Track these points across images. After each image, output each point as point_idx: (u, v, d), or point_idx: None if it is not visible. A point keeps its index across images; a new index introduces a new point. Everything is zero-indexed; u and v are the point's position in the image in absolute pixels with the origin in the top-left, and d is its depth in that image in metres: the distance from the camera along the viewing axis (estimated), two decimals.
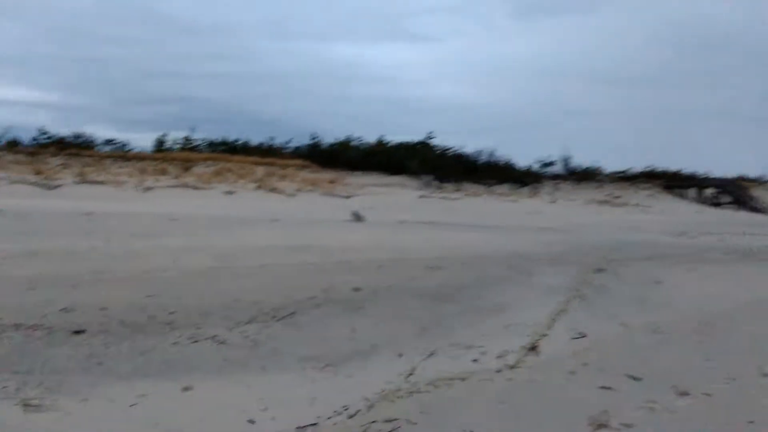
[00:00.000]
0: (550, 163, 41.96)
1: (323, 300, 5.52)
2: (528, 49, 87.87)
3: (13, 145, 25.53)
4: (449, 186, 34.96)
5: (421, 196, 29.66)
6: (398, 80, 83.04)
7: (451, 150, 39.36)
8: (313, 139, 38.40)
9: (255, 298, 5.30)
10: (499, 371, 4.45)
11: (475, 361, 4.65)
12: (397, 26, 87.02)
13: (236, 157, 29.37)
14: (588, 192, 38.17)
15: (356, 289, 5.94)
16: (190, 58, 75.78)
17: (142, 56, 75.29)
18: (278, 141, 38.32)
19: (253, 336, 4.56)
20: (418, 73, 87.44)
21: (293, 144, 38.47)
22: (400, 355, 4.64)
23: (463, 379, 4.22)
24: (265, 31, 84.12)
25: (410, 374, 4.26)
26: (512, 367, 4.58)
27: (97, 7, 73.03)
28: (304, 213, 16.01)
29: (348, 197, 26.47)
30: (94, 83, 69.36)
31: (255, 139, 38.09)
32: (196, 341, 4.34)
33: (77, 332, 4.22)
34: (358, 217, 12.80)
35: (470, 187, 35.42)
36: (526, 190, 36.88)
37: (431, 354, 4.71)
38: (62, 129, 30.00)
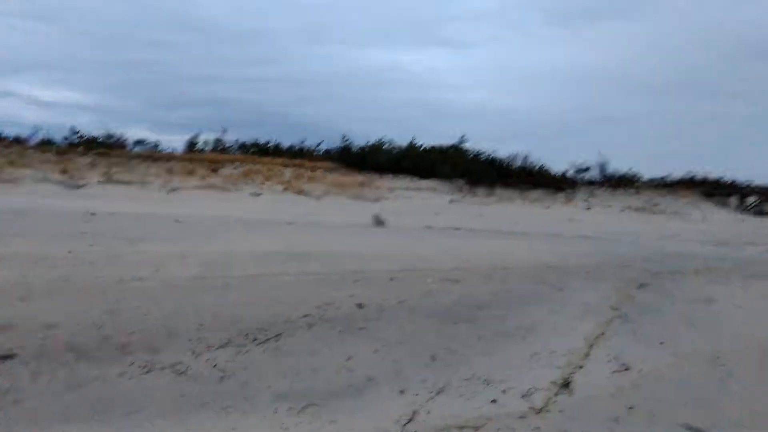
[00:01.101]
0: (586, 169, 40.51)
1: (319, 319, 4.64)
2: (564, 55, 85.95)
3: (44, 144, 25.28)
4: (481, 191, 33.88)
5: (451, 201, 28.73)
6: (433, 85, 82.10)
7: (483, 154, 38.25)
8: (344, 141, 37.70)
9: (237, 316, 4.45)
10: (522, 417, 3.51)
11: (493, 401, 3.71)
12: (433, 32, 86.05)
13: (265, 159, 28.69)
14: (625, 199, 36.60)
15: (360, 306, 5.05)
16: (227, 62, 75.84)
17: (180, 60, 75.64)
18: (309, 143, 37.75)
19: (223, 365, 3.69)
20: (453, 78, 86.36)
21: (324, 146, 37.83)
22: (402, 392, 3.73)
23: (476, 429, 3.30)
24: (301, 36, 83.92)
25: (410, 420, 3.35)
26: (539, 411, 3.63)
27: (136, 12, 73.55)
28: (327, 216, 15.20)
29: (376, 200, 25.63)
30: (131, 86, 69.78)
31: (289, 143, 37.56)
32: (149, 371, 3.49)
33: (4, 357, 3.41)
34: (378, 222, 11.93)
35: (503, 192, 34.26)
36: (560, 196, 35.58)
37: (440, 391, 3.79)
38: (98, 130, 29.60)
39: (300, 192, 24.58)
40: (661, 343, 5.19)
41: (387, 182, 32.14)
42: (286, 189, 24.59)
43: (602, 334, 5.24)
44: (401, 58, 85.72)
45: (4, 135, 25.07)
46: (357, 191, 27.36)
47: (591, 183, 38.97)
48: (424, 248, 8.39)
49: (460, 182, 34.38)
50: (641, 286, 7.26)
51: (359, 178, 30.53)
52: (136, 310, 4.28)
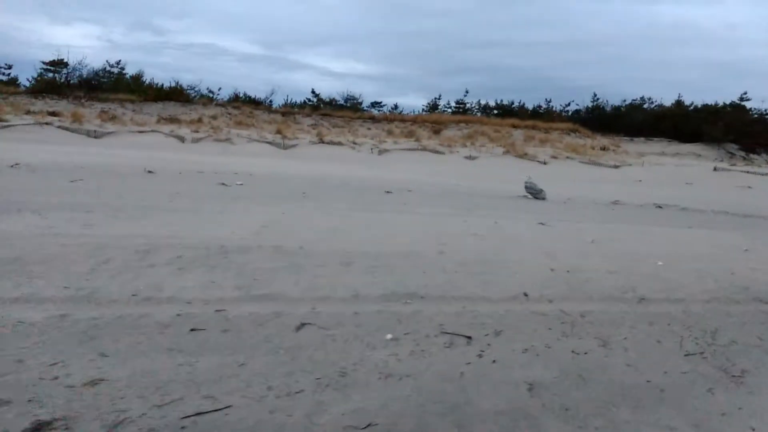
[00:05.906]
0: None
1: None
2: None
3: (284, 106, 25.35)
4: (760, 158, 26.22)
5: (716, 169, 22.38)
6: (729, 42, 69.14)
7: None
8: (595, 101, 32.41)
9: None
10: None
11: None
12: None
13: (492, 120, 25.36)
14: None
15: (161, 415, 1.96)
16: (503, 27, 72.63)
17: (457, 27, 74.57)
18: (555, 104, 33.19)
19: None
20: (756, 33, 71.74)
21: (573, 107, 32.97)
22: None
23: None
24: None
25: None
26: None
27: None
28: (512, 185, 11.66)
29: (617, 167, 20.80)
30: (411, 56, 70.75)
31: (546, 106, 33.34)
32: None
33: None
34: (534, 193, 8.11)
35: None
36: None
37: None
38: (339, 94, 29.09)
39: (523, 156, 20.91)
40: None
41: (637, 146, 26.53)
42: (507, 152, 21.13)
43: None
44: (693, 13, 73.35)
45: (242, 97, 25.56)
46: (595, 156, 22.65)
47: None
48: (534, 245, 4.72)
49: (733, 147, 27.07)
50: None
51: (601, 141, 25.55)
52: None
